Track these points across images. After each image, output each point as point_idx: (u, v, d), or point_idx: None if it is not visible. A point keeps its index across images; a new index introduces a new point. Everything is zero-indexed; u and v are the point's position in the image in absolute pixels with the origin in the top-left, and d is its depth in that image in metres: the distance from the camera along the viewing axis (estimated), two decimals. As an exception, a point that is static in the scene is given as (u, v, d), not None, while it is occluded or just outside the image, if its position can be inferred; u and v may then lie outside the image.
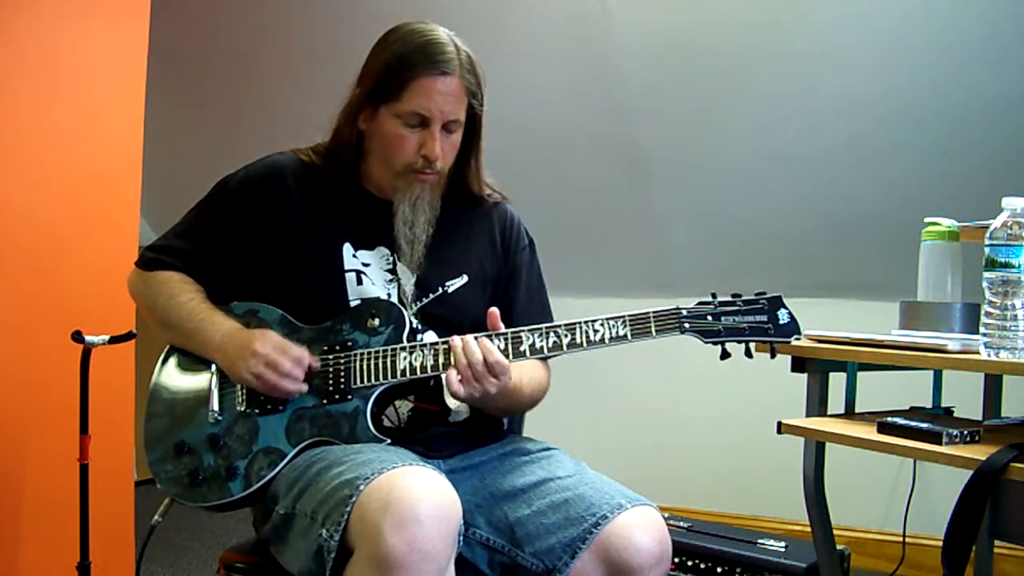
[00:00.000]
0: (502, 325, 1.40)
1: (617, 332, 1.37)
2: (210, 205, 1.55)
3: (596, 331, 1.37)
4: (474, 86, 1.46)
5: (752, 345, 1.41)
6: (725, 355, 1.39)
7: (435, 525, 1.14)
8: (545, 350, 1.38)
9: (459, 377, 1.34)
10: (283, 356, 1.39)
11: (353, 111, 1.48)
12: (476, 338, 1.36)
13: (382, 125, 1.46)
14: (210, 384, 1.45)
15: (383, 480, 1.18)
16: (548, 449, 1.51)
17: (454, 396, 1.36)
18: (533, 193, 3.00)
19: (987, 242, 1.35)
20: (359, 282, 1.49)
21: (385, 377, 1.41)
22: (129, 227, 2.33)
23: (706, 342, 1.38)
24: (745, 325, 1.38)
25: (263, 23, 3.27)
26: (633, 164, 3.04)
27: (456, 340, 1.36)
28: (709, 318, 1.38)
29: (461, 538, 1.24)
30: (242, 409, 1.43)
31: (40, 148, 2.14)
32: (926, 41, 2.48)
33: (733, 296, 1.41)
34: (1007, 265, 1.32)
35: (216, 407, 1.43)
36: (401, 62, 1.42)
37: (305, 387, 1.41)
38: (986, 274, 1.35)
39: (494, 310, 1.40)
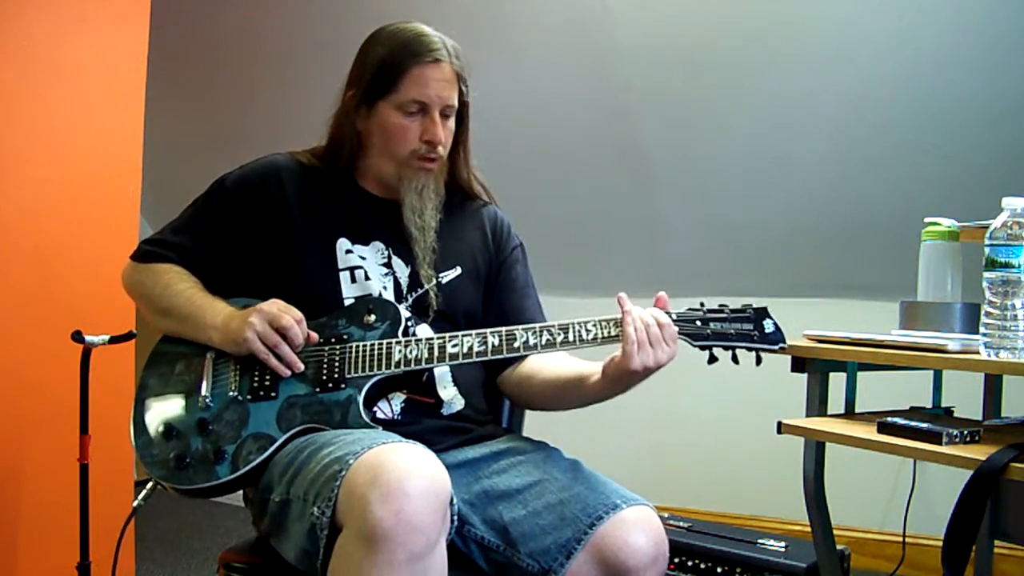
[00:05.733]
0: (670, 306, 1.41)
1: (609, 332, 1.39)
2: (206, 202, 1.57)
3: (589, 331, 1.40)
4: (463, 71, 1.52)
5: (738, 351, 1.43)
6: (712, 359, 1.42)
7: (423, 498, 1.14)
8: (539, 348, 1.40)
9: (635, 343, 1.33)
10: (285, 313, 1.42)
11: (349, 112, 1.52)
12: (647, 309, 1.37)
13: (382, 119, 1.49)
14: (202, 370, 1.45)
15: (371, 455, 1.19)
16: (544, 448, 1.51)
17: (622, 367, 1.34)
18: (535, 195, 3.01)
19: (987, 242, 1.35)
20: (353, 279, 1.50)
21: (379, 368, 1.42)
22: (129, 227, 2.34)
23: (694, 345, 1.41)
24: (732, 331, 1.41)
25: (263, 23, 3.27)
26: (634, 166, 3.04)
27: (628, 305, 1.36)
28: (698, 323, 1.41)
29: (455, 518, 1.25)
30: (234, 395, 1.43)
31: (40, 148, 2.14)
32: (926, 43, 2.48)
33: (721, 306, 1.44)
34: (1007, 265, 1.32)
35: (207, 392, 1.43)
36: (395, 55, 1.47)
37: (301, 366, 1.42)
38: (986, 274, 1.35)
39: (663, 295, 1.41)
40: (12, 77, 2.08)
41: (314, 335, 1.44)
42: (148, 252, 1.56)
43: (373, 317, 1.46)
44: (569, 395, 1.50)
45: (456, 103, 1.51)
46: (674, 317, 1.40)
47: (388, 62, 1.47)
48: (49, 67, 2.15)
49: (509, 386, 1.60)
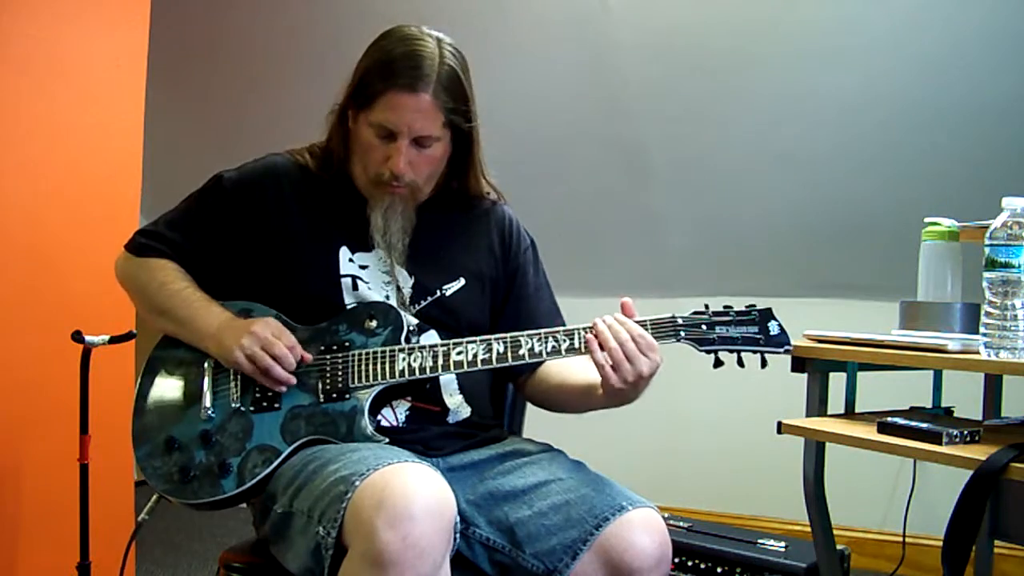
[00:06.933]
0: (636, 312, 1.38)
1: None
2: (200, 200, 1.55)
3: None
4: (451, 103, 1.42)
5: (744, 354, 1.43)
6: (718, 363, 1.41)
7: (429, 521, 1.14)
8: (544, 354, 1.39)
9: (610, 363, 1.32)
10: (279, 340, 1.39)
11: (342, 111, 1.49)
12: (616, 317, 1.35)
13: (359, 130, 1.46)
14: (203, 380, 1.44)
15: (377, 477, 1.18)
16: (549, 450, 1.51)
17: (608, 385, 1.33)
18: (534, 194, 3.00)
19: (987, 242, 1.35)
20: (355, 287, 1.48)
21: (383, 378, 1.40)
22: (129, 227, 2.31)
23: (700, 350, 1.40)
24: (738, 335, 1.41)
25: (264, 23, 3.27)
26: (634, 165, 3.04)
27: (600, 323, 1.34)
28: (704, 327, 1.40)
29: (458, 535, 1.24)
30: (236, 406, 1.42)
31: (40, 148, 2.14)
32: (926, 42, 2.48)
33: (725, 307, 1.43)
34: (1007, 265, 1.32)
35: (209, 403, 1.42)
36: (377, 72, 1.41)
37: (294, 380, 1.40)
38: (986, 274, 1.35)
39: (628, 300, 1.39)
40: (13, 77, 2.08)
41: (308, 356, 1.42)
42: (143, 245, 1.54)
43: (374, 323, 1.44)
44: (584, 401, 1.49)
45: (436, 133, 1.42)
46: (681, 321, 1.39)
47: (370, 76, 1.41)
48: (49, 67, 2.15)
49: (528, 391, 1.59)
